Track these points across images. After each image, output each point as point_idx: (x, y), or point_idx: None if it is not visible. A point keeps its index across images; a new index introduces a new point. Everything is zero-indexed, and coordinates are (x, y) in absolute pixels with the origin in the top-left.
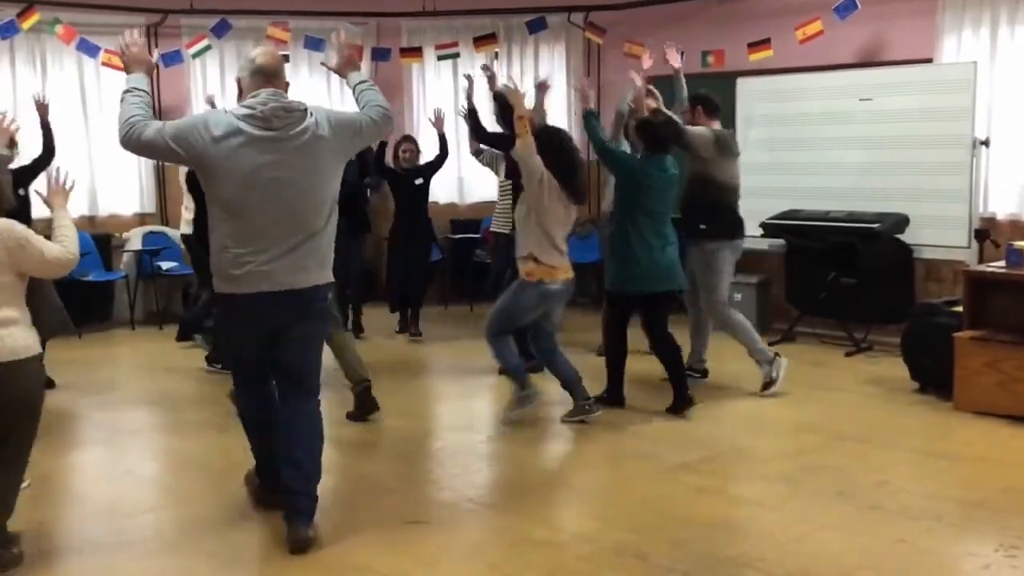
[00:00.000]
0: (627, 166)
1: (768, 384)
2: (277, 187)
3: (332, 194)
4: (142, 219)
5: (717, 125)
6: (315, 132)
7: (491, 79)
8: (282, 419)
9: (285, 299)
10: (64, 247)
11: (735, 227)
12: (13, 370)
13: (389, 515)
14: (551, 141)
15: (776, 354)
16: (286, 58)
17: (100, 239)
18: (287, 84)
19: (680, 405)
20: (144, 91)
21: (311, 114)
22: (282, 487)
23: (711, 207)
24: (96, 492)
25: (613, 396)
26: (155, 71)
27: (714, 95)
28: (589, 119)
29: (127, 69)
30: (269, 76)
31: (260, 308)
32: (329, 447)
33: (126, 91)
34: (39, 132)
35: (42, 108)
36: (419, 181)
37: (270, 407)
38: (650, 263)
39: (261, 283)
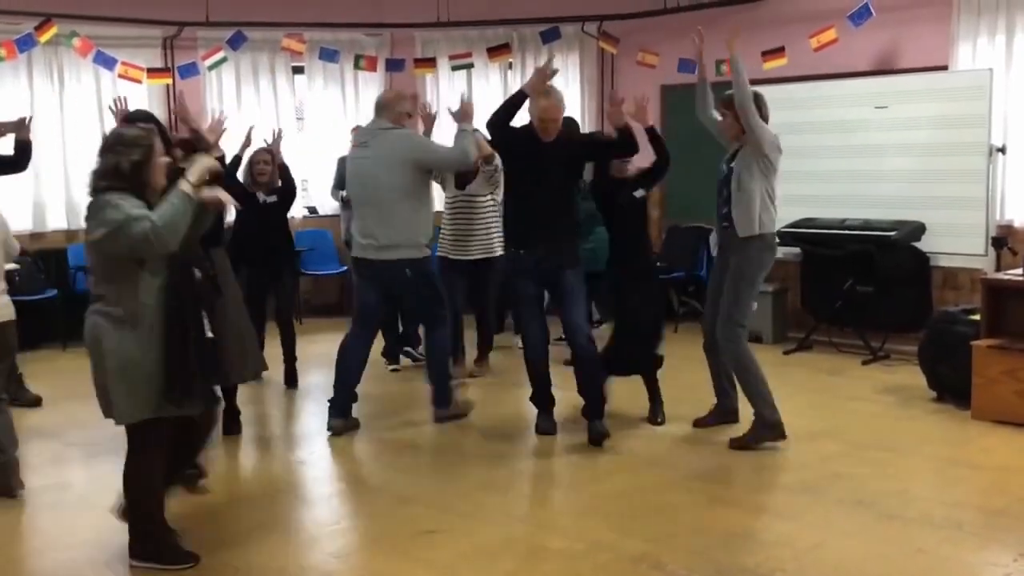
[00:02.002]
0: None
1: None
2: None
3: None
4: None
5: None
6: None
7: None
8: None
9: None
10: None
11: None
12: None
13: (406, 524)
14: None
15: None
16: (300, 69)
17: None
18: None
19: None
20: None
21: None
22: None
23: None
24: None
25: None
26: (173, 83)
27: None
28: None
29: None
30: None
31: None
32: (343, 457)
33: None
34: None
35: (23, 128)
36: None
37: None
38: None
39: None
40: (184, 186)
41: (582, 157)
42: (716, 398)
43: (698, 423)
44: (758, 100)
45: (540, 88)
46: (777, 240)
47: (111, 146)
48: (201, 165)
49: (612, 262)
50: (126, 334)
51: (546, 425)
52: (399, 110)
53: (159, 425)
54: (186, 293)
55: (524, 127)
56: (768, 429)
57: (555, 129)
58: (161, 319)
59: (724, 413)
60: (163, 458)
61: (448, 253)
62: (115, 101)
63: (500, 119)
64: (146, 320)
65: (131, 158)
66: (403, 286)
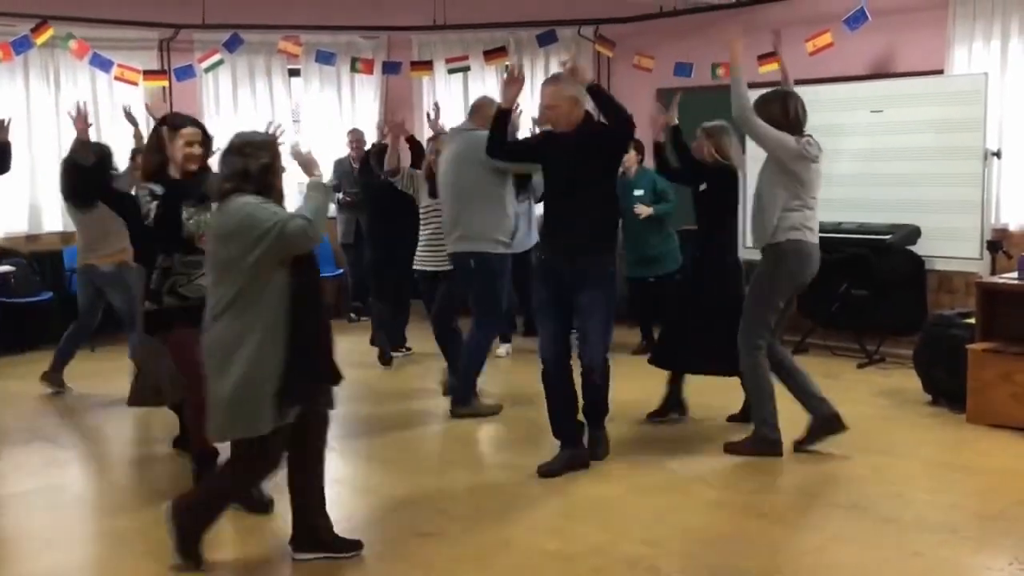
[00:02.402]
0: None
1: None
2: None
3: None
4: None
5: None
6: None
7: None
8: None
9: None
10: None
11: None
12: None
13: (403, 526)
14: None
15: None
16: (297, 72)
17: None
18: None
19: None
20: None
21: None
22: None
23: None
24: None
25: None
26: (169, 86)
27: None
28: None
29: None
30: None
31: None
32: (338, 460)
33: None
34: None
35: (2, 130)
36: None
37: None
38: None
39: None
40: (317, 179)
41: (597, 147)
42: (809, 413)
43: (800, 444)
44: (784, 102)
45: (512, 98)
46: (806, 252)
47: (238, 149)
48: (311, 158)
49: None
50: (258, 339)
51: (547, 466)
52: (487, 114)
53: (278, 437)
54: (314, 293)
55: (540, 132)
56: (768, 445)
57: (559, 119)
58: (287, 321)
59: (825, 421)
60: (267, 473)
61: (421, 264)
62: (76, 106)
63: (493, 142)
64: (276, 323)
65: (260, 161)
66: (464, 276)
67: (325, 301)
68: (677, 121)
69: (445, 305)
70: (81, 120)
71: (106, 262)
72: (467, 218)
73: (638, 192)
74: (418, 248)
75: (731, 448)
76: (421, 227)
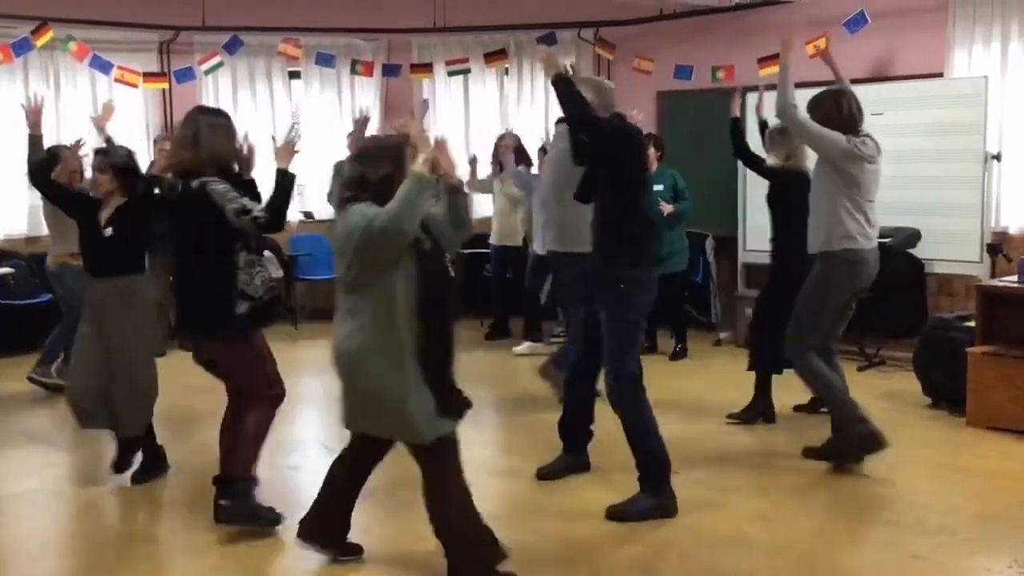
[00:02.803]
0: None
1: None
2: None
3: None
4: None
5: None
6: None
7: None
8: None
9: None
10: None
11: None
12: None
13: (402, 532)
14: None
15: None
16: (297, 74)
17: None
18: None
19: None
20: None
21: None
22: None
23: None
24: None
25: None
26: (169, 88)
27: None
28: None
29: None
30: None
31: None
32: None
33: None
34: None
35: None
36: None
37: None
38: None
39: None
40: (420, 167)
41: (597, 152)
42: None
43: (810, 454)
44: (837, 99)
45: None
46: (862, 259)
47: (362, 156)
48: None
49: None
50: (383, 350)
51: (547, 468)
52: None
53: (454, 439)
54: (443, 285)
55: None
56: (865, 440)
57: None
58: (414, 332)
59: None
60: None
61: None
62: (30, 99)
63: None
64: (401, 333)
65: (381, 171)
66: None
67: (454, 311)
68: (738, 114)
69: None
70: (33, 113)
71: (53, 262)
72: (555, 218)
73: (657, 188)
74: None
75: (811, 453)
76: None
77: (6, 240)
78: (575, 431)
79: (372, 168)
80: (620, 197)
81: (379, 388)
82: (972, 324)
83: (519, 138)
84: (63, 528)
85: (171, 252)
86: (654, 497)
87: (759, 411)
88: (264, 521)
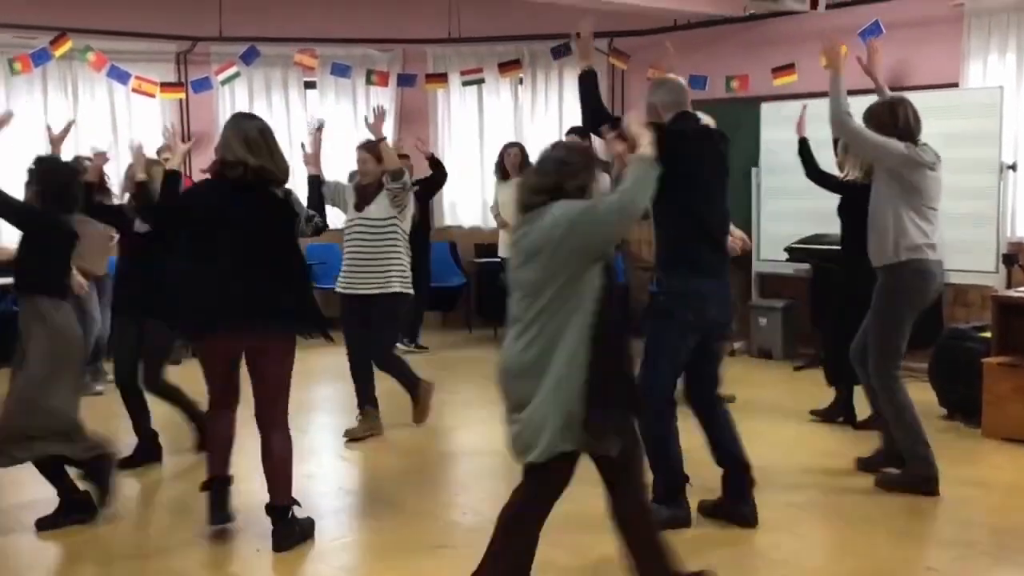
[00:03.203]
0: None
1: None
2: None
3: None
4: None
5: None
6: None
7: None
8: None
9: None
10: None
11: None
12: None
13: (415, 540)
14: None
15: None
16: (312, 84)
17: None
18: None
19: None
20: None
21: None
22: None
23: None
24: None
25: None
26: (186, 98)
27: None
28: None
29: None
30: None
31: None
32: (353, 470)
33: None
34: None
35: None
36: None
37: None
38: None
39: None
40: (647, 150)
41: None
42: (881, 439)
43: (865, 464)
44: (892, 108)
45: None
46: (928, 271)
47: (556, 165)
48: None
49: None
50: (562, 359)
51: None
52: None
53: (571, 463)
54: (618, 295)
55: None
56: (922, 482)
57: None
58: (593, 332)
59: (892, 456)
60: (551, 506)
61: (341, 286)
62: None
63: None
64: (580, 342)
65: (577, 181)
66: None
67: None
68: (806, 133)
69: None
70: (57, 140)
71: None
72: None
73: None
74: (343, 268)
75: (884, 483)
76: (344, 243)
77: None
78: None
79: (571, 179)
80: (670, 205)
81: (549, 402)
82: (988, 335)
83: (524, 148)
84: (76, 538)
85: (222, 257)
86: (668, 508)
87: (839, 413)
88: (310, 535)
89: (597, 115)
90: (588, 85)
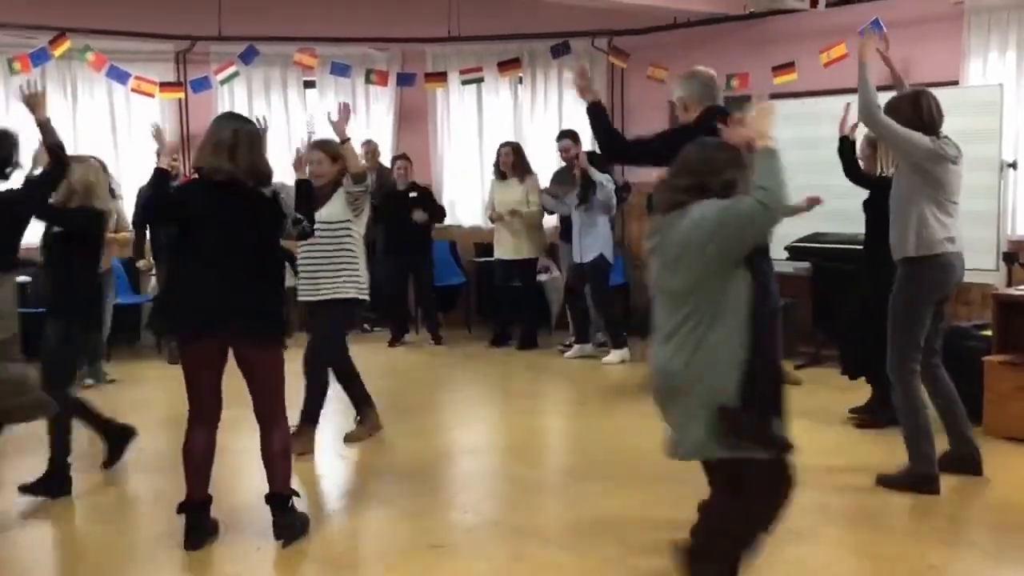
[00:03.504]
0: None
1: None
2: None
3: None
4: None
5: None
6: None
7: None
8: None
9: None
10: None
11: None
12: None
13: (413, 539)
14: None
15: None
16: (312, 84)
17: (128, 262)
18: None
19: None
20: None
21: None
22: None
23: None
24: None
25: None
26: (185, 97)
27: None
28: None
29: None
30: None
31: None
32: (349, 470)
33: None
34: None
35: None
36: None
37: None
38: None
39: None
40: (770, 143)
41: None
42: (949, 443)
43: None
44: (915, 101)
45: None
46: (948, 264)
47: (697, 164)
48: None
49: None
50: (723, 353)
51: None
52: None
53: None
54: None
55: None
56: (924, 481)
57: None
58: (746, 333)
59: (957, 459)
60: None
61: (300, 293)
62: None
63: None
64: (737, 343)
65: (723, 177)
66: None
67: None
68: (847, 132)
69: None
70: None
71: None
72: None
73: None
74: (299, 274)
75: (884, 481)
76: (299, 252)
77: (23, 248)
78: None
79: (715, 176)
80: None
81: (705, 405)
82: (989, 333)
83: (517, 147)
84: (76, 536)
85: (210, 257)
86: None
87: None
88: (307, 530)
89: (611, 140)
90: (597, 115)
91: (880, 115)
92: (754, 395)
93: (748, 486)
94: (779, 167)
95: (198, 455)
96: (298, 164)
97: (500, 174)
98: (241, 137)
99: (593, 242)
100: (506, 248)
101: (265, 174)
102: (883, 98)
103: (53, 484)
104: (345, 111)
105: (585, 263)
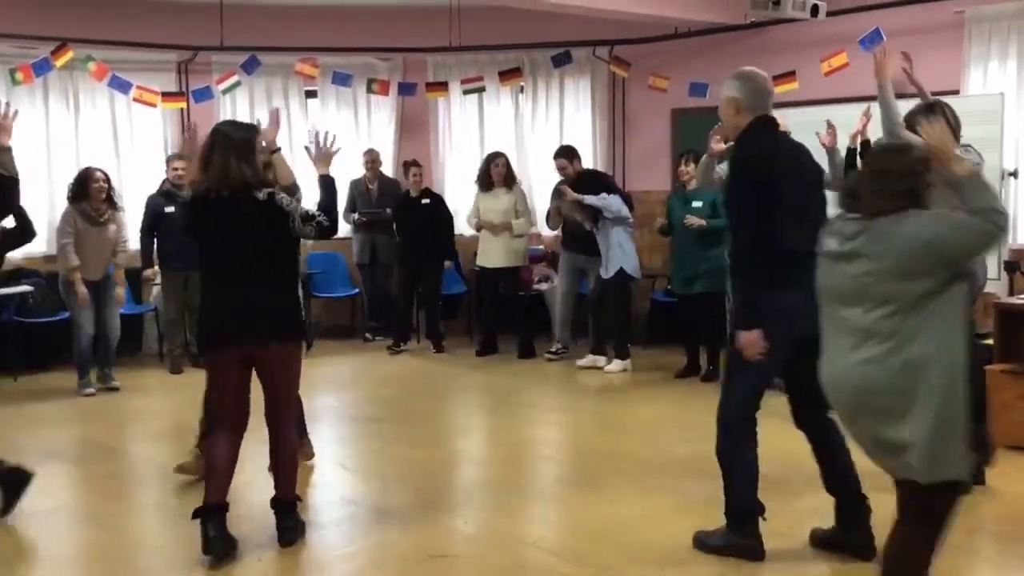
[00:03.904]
0: None
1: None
2: None
3: None
4: None
5: None
6: None
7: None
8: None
9: None
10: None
11: None
12: None
13: (416, 548)
14: None
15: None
16: (314, 93)
17: (131, 272)
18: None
19: None
20: None
21: None
22: None
23: None
24: None
25: None
26: (187, 107)
27: None
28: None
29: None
30: None
31: None
32: (354, 480)
33: None
34: None
35: None
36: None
37: None
38: None
39: None
40: (966, 166)
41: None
42: None
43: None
44: (929, 112)
45: None
46: (973, 270)
47: (910, 168)
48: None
49: None
50: (944, 373)
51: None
52: None
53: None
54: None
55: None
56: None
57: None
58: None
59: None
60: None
61: None
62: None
63: None
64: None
65: (926, 180)
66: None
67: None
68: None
69: None
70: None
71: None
72: None
73: (696, 204)
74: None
75: None
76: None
77: (26, 258)
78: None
79: (923, 183)
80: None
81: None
82: (990, 342)
83: (507, 158)
84: (85, 546)
85: (213, 263)
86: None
87: None
88: (304, 532)
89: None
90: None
91: (903, 132)
92: (977, 408)
93: (944, 508)
94: (989, 186)
95: (223, 461)
96: (318, 160)
97: (487, 184)
98: (227, 146)
99: (615, 257)
100: (490, 257)
101: (259, 182)
102: (904, 107)
103: None
104: (275, 119)
105: (608, 278)
